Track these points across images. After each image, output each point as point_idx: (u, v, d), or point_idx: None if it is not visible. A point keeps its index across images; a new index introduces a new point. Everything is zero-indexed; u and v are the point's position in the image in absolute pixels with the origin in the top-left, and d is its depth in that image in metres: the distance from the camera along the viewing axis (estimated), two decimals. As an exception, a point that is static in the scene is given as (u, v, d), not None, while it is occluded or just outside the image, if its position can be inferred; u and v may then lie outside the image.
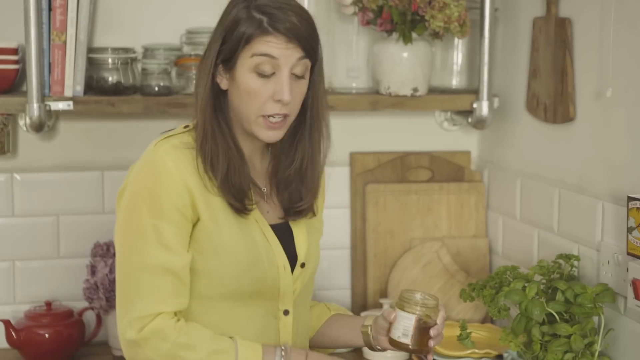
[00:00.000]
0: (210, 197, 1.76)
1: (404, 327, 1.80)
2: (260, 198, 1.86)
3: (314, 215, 1.92)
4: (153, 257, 1.70)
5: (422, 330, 1.80)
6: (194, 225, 1.75)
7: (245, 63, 1.75)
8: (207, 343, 1.71)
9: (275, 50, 1.74)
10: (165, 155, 1.74)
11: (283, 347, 1.75)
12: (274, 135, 1.80)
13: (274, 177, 1.88)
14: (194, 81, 2.55)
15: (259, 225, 1.82)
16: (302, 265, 1.88)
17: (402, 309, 1.81)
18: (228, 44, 1.76)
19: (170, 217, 1.72)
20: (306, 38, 1.77)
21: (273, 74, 1.75)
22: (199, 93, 1.79)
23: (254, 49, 1.74)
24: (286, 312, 1.84)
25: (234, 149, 1.79)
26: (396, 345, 1.82)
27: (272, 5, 1.75)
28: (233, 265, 1.77)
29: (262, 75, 1.75)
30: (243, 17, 1.74)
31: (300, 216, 1.89)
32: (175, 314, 1.73)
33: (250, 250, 1.79)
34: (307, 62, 1.79)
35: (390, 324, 1.83)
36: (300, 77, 1.79)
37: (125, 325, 1.72)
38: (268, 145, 1.89)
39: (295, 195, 1.86)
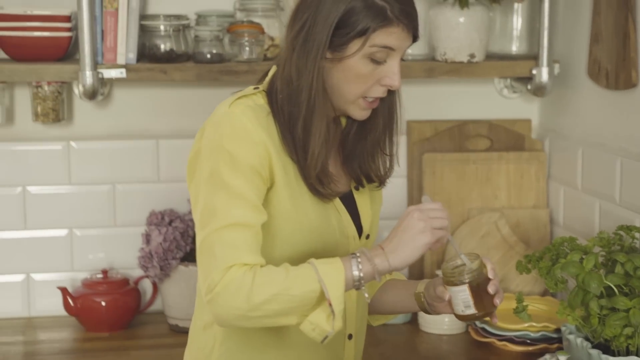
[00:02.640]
0: (286, 160, 1.73)
1: (462, 300, 1.75)
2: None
3: (383, 184, 1.87)
4: (234, 216, 1.66)
5: (480, 293, 1.75)
6: (269, 188, 1.72)
7: (361, 50, 1.68)
8: (285, 273, 1.64)
9: (396, 41, 1.69)
10: (243, 116, 1.69)
11: (358, 254, 1.68)
12: (367, 114, 1.77)
13: (343, 147, 1.84)
14: (247, 48, 2.53)
15: None
16: (367, 236, 1.84)
17: (451, 284, 1.76)
18: (341, 35, 1.68)
19: (251, 178, 1.68)
20: (416, 24, 1.72)
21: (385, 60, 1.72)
22: (303, 86, 1.70)
23: (374, 40, 1.68)
24: None
25: (329, 132, 1.74)
26: (464, 319, 1.77)
27: None
28: (306, 230, 1.74)
29: (375, 62, 1.71)
30: (359, 5, 1.66)
31: (373, 183, 1.85)
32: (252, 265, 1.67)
33: (323, 219, 1.76)
34: None
35: (449, 302, 1.78)
36: None
37: (205, 292, 1.66)
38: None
39: (371, 163, 1.83)
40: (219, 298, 1.62)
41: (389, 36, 1.68)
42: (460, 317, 1.77)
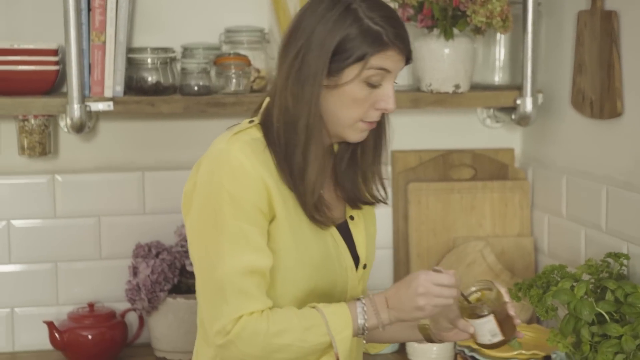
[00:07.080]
0: (285, 192, 1.73)
1: (489, 330, 1.78)
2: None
3: (379, 202, 1.89)
4: (242, 260, 1.67)
5: (504, 319, 1.78)
6: (270, 222, 1.73)
7: (357, 74, 1.69)
8: (297, 322, 1.68)
9: (392, 64, 1.71)
10: (240, 153, 1.68)
11: (363, 302, 1.72)
12: (364, 136, 1.78)
13: (336, 174, 1.85)
14: (234, 80, 2.54)
15: None
16: (364, 266, 1.85)
17: (474, 317, 1.78)
18: (338, 61, 1.69)
19: (254, 218, 1.68)
20: (409, 47, 1.74)
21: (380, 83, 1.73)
22: (300, 113, 1.70)
23: (371, 63, 1.68)
24: None
25: (325, 159, 1.76)
26: (492, 347, 1.80)
27: (384, 14, 1.69)
28: (307, 265, 1.74)
29: (371, 86, 1.72)
30: (355, 32, 1.67)
31: (367, 204, 1.87)
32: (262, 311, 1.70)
33: (322, 251, 1.77)
34: None
35: (472, 335, 1.80)
36: None
37: (215, 333, 1.68)
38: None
39: (364, 185, 1.84)
40: (233, 346, 1.67)
41: (386, 60, 1.70)
42: (487, 347, 1.81)
